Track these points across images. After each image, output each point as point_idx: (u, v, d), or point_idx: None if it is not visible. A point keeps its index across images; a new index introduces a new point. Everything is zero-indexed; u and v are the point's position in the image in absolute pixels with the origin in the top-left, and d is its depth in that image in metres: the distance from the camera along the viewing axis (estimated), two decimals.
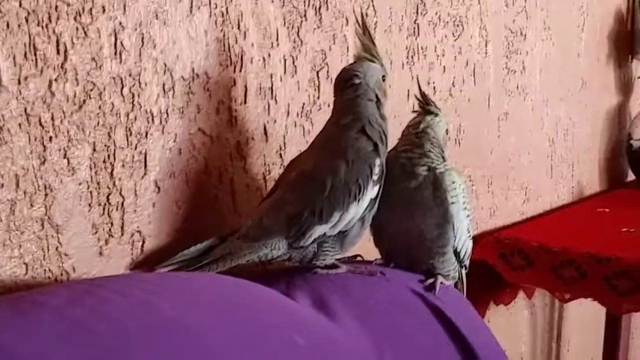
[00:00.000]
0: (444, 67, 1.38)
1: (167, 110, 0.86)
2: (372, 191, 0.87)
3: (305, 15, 1.04)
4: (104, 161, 0.80)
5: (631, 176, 2.27)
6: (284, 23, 1.01)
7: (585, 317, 2.06)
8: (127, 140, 0.82)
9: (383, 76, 0.90)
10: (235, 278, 0.76)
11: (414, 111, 0.96)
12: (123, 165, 0.82)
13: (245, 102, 0.96)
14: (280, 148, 1.03)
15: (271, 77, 1.00)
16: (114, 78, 0.80)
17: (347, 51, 1.12)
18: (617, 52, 2.19)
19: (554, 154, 1.86)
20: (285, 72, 1.02)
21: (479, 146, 1.53)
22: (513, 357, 1.78)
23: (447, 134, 0.95)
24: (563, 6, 1.85)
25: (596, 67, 2.09)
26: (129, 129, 0.82)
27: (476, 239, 1.46)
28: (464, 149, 1.46)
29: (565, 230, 1.57)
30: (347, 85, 0.87)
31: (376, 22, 1.19)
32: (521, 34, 1.64)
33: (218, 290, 0.70)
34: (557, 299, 1.48)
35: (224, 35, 0.92)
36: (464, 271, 0.99)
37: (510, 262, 1.40)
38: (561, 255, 1.36)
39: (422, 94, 0.93)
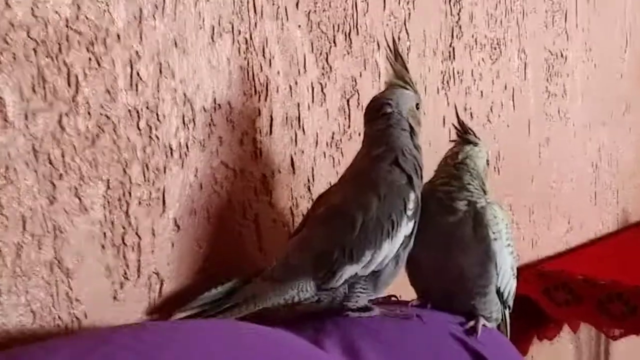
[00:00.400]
0: (482, 91, 1.32)
1: (187, 144, 0.81)
2: (406, 227, 0.81)
3: (334, 41, 0.99)
4: (119, 199, 0.75)
5: None
6: (312, 49, 0.96)
7: (634, 350, 1.96)
8: (144, 176, 0.77)
9: (417, 104, 0.84)
10: (257, 325, 0.70)
11: (451, 140, 0.90)
12: (139, 203, 0.77)
13: (270, 133, 0.91)
14: (309, 180, 0.97)
15: (298, 106, 0.95)
16: (129, 110, 0.75)
17: (379, 77, 1.06)
18: None
19: (598, 180, 1.79)
20: (313, 101, 0.97)
21: (519, 173, 1.46)
22: None
23: (487, 164, 0.88)
24: (605, 26, 1.78)
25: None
26: (146, 165, 0.77)
27: (518, 272, 1.39)
28: (504, 177, 1.40)
29: (611, 261, 1.49)
30: (379, 114, 0.82)
31: (409, 46, 1.14)
32: (562, 55, 1.58)
33: (236, 340, 0.64)
34: (606, 335, 1.40)
35: (247, 63, 0.87)
36: (507, 312, 0.92)
37: (555, 297, 1.33)
38: (609, 289, 1.28)
39: (460, 122, 0.87)
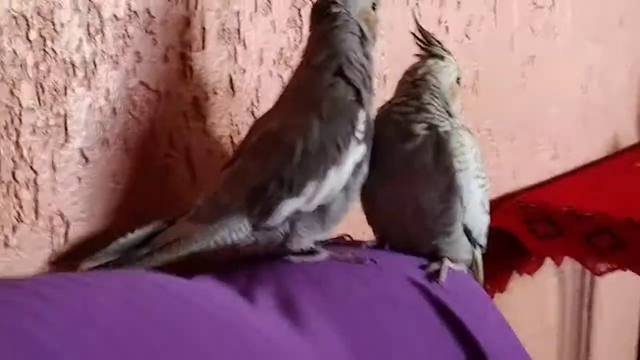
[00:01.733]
0: (458, 2, 1.18)
1: (94, 60, 0.68)
2: (356, 152, 0.69)
3: None
4: (5, 127, 0.62)
5: None
6: None
7: (619, 282, 1.88)
8: (38, 98, 0.64)
9: (374, 3, 0.71)
10: (170, 277, 0.59)
11: (416, 55, 0.77)
12: (34, 131, 0.64)
13: (203, 48, 0.78)
14: (252, 104, 0.84)
15: (238, 16, 0.81)
16: (15, 17, 0.62)
17: None
18: None
19: (587, 103, 1.66)
20: (256, 10, 0.83)
21: (500, 95, 1.33)
22: (541, 328, 1.61)
23: (458, 82, 0.76)
24: None
25: (635, 5, 1.86)
26: (40, 84, 0.64)
27: (497, 203, 1.29)
28: (482, 99, 1.27)
29: (599, 192, 1.38)
30: (324, 14, 0.69)
31: None
32: None
33: (138, 298, 0.53)
34: (591, 271, 1.31)
35: None
36: (478, 252, 0.80)
37: (537, 230, 1.22)
38: (596, 222, 1.18)
39: (422, 31, 0.74)
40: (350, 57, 0.69)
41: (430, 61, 0.73)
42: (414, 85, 0.72)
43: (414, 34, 0.75)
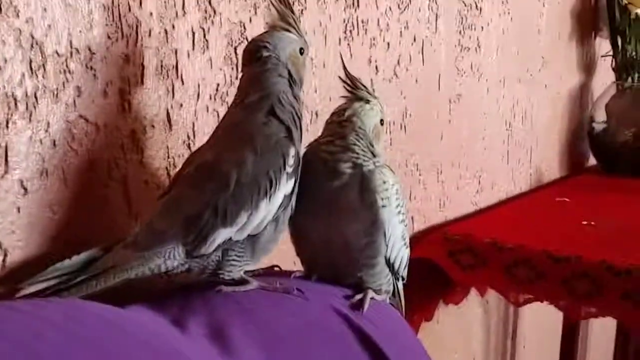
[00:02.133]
0: (388, 43, 1.23)
1: (35, 94, 0.70)
2: (286, 186, 0.72)
3: None
4: None
5: (592, 161, 2.16)
6: None
7: (542, 312, 1.95)
8: None
9: (301, 49, 0.75)
10: (103, 306, 0.61)
11: (342, 96, 0.81)
12: None
13: (142, 83, 0.81)
14: (189, 137, 0.87)
15: (176, 53, 0.84)
16: None
17: None
18: (580, 29, 2.06)
19: (511, 139, 1.74)
20: (194, 48, 0.87)
21: (427, 131, 1.39)
22: (465, 357, 1.66)
23: (382, 123, 0.80)
24: None
25: (558, 45, 1.96)
26: None
27: (423, 235, 1.34)
28: (411, 135, 1.32)
29: (521, 224, 1.44)
30: (254, 58, 0.73)
31: None
32: (476, 7, 1.50)
33: (69, 327, 0.54)
34: (511, 302, 1.36)
35: (112, 2, 0.76)
36: (400, 283, 0.85)
37: (460, 261, 1.27)
38: (515, 254, 1.23)
39: (348, 75, 0.78)
40: (281, 98, 0.72)
41: (356, 104, 0.77)
42: (340, 126, 0.76)
43: (340, 78, 0.79)
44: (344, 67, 0.79)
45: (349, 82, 0.78)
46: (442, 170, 1.45)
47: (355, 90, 0.78)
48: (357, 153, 0.75)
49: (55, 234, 0.73)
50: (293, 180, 0.73)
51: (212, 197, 0.69)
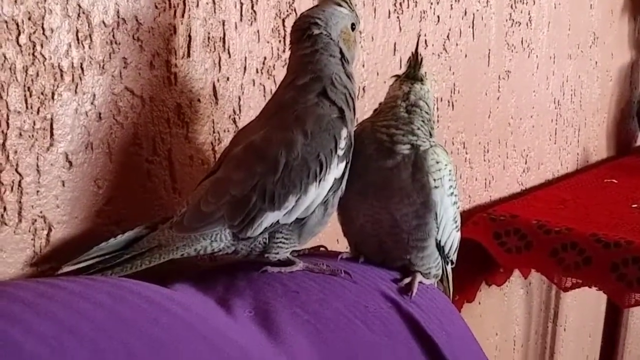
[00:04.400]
0: (438, 17, 1.19)
1: (81, 65, 0.68)
2: (337, 169, 0.70)
3: None
4: None
5: None
6: None
7: (584, 295, 1.91)
8: (26, 102, 0.64)
9: (352, 25, 0.72)
10: (147, 285, 0.60)
11: (394, 76, 0.78)
12: (20, 135, 0.64)
13: (188, 56, 0.79)
14: (234, 112, 0.85)
15: (223, 25, 0.82)
16: (6, 22, 0.62)
17: None
18: (633, 4, 1.99)
19: (559, 117, 1.69)
20: (241, 19, 0.84)
21: (475, 109, 1.35)
22: (506, 339, 1.64)
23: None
24: None
25: (609, 21, 1.90)
26: (28, 88, 0.64)
27: (468, 215, 1.31)
28: (458, 112, 1.29)
29: (568, 206, 1.40)
30: (304, 36, 0.70)
31: None
32: None
33: (111, 307, 0.53)
34: (557, 286, 1.32)
35: None
36: (449, 267, 0.82)
37: (506, 242, 1.24)
38: (563, 237, 1.20)
39: (417, 56, 0.75)
40: (333, 80, 0.70)
41: (417, 86, 0.74)
42: (407, 111, 0.73)
43: (411, 57, 0.76)
44: (417, 48, 0.76)
45: (414, 61, 0.75)
46: (488, 149, 1.41)
47: (417, 71, 0.75)
48: (418, 136, 0.73)
49: (99, 209, 0.72)
50: (344, 163, 0.71)
51: (259, 180, 0.67)
